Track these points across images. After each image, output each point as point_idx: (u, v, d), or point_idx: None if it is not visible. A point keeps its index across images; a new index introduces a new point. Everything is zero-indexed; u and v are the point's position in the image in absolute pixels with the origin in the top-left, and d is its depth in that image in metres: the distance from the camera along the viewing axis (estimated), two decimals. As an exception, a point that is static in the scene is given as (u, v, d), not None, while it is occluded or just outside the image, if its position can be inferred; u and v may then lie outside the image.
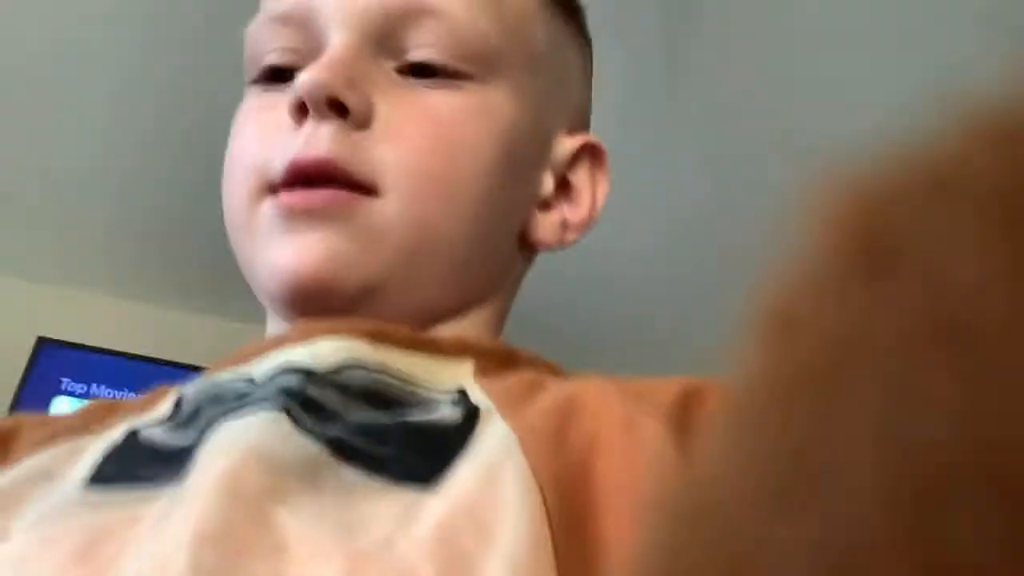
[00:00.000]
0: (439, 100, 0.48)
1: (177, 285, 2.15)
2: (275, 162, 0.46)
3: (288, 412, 0.36)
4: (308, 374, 0.39)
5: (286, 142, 0.46)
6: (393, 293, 0.46)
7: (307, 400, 0.37)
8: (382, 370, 0.40)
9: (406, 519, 0.32)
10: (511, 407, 0.38)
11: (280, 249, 0.45)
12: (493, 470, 0.34)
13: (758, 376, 0.14)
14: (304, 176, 0.45)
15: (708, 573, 0.13)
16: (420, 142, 0.46)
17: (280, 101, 0.48)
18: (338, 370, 0.40)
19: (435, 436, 0.36)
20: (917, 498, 0.11)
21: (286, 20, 0.50)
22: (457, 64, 0.48)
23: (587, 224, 0.53)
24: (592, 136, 0.55)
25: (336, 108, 0.46)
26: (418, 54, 0.48)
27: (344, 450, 0.35)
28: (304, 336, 0.43)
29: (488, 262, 0.50)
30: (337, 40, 0.47)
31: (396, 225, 0.46)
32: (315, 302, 0.45)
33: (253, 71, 0.51)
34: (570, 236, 0.53)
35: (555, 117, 0.53)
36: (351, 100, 0.46)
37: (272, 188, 0.47)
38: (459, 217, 0.47)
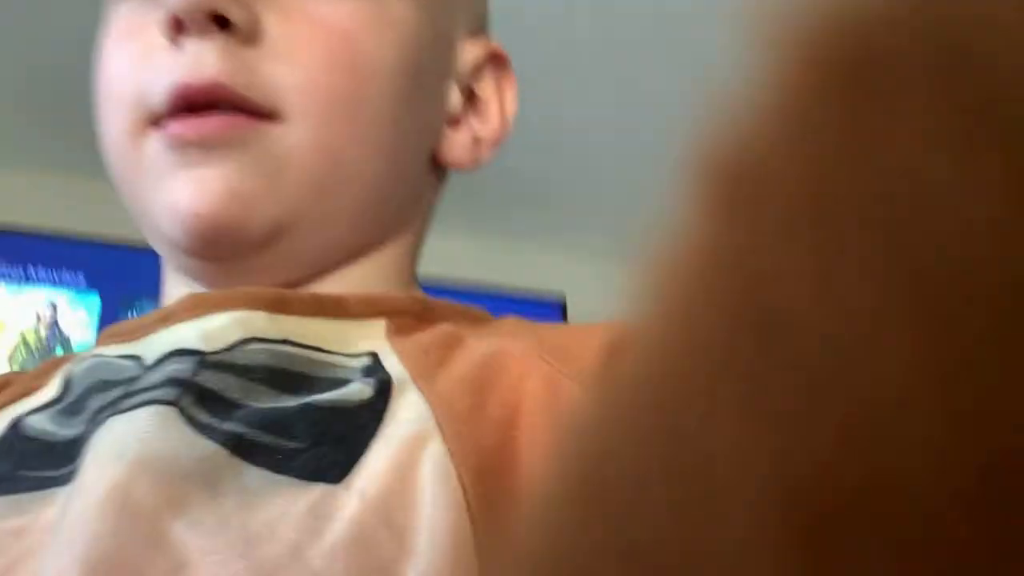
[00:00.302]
0: (333, 10, 0.43)
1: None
2: (155, 89, 0.41)
3: (179, 406, 0.32)
4: (200, 357, 0.35)
5: (165, 65, 0.41)
6: (303, 231, 0.42)
7: (200, 389, 0.34)
8: (284, 340, 0.37)
9: (316, 522, 0.29)
10: (426, 374, 0.35)
11: (176, 189, 0.41)
12: (408, 459, 0.31)
13: (707, 241, 0.11)
14: (192, 103, 0.40)
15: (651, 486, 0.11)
16: (318, 58, 0.42)
17: (149, 18, 0.42)
18: (233, 348, 0.36)
19: (345, 420, 0.33)
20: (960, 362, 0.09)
21: None
22: None
23: (500, 138, 0.49)
24: (494, 43, 0.51)
25: (218, 22, 0.40)
26: None
27: (245, 447, 0.32)
28: (194, 310, 0.39)
29: (401, 189, 0.46)
30: None
31: (302, 153, 0.41)
32: (220, 246, 0.41)
33: None
34: (484, 153, 0.49)
35: (455, 22, 0.49)
36: (234, 13, 0.40)
37: (155, 120, 0.42)
38: (368, 140, 0.43)
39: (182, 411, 0.32)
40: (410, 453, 0.31)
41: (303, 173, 0.41)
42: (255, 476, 0.31)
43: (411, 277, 0.48)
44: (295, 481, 0.31)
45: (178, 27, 0.41)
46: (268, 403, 0.34)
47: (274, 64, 0.41)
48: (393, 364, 0.36)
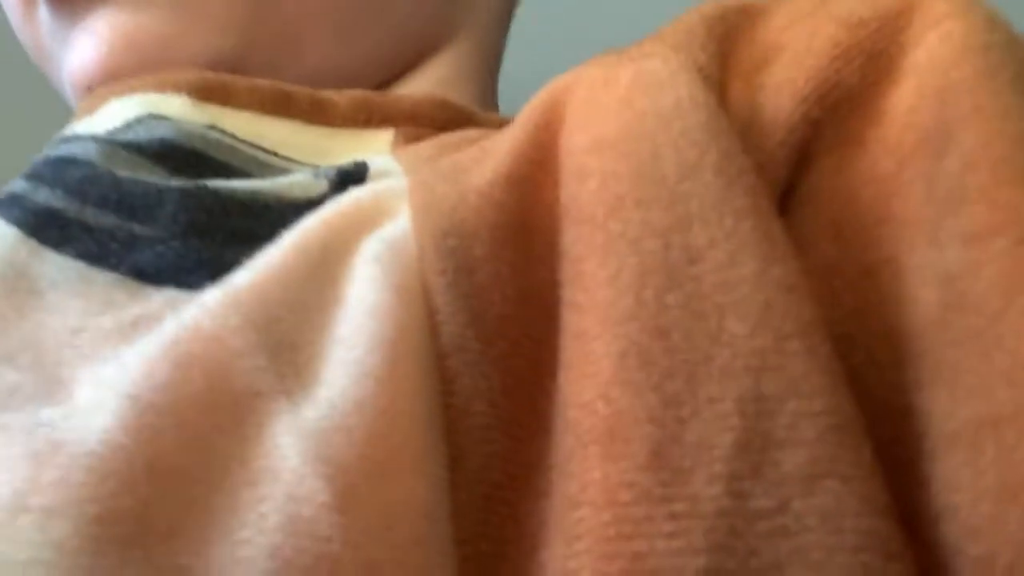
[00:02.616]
0: None
1: None
2: None
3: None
4: (75, 138, 0.26)
5: None
6: (260, 68, 0.30)
7: (48, 161, 0.24)
8: (210, 127, 0.26)
9: (118, 338, 0.19)
10: (419, 166, 0.23)
11: (66, 61, 0.31)
12: (332, 240, 0.20)
13: None
14: None
15: None
16: None
17: None
18: (127, 127, 0.26)
19: (258, 215, 0.22)
20: None
21: None
22: None
23: None
24: None
25: None
26: None
27: (51, 225, 0.22)
28: (93, 103, 0.29)
29: None
30: None
31: None
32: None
33: None
34: None
35: None
36: None
37: None
38: None
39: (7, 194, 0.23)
40: (338, 233, 0.20)
41: None
42: (55, 267, 0.21)
43: (478, 100, 0.35)
44: (121, 280, 0.20)
45: None
46: (129, 176, 0.23)
47: None
48: (383, 167, 0.25)
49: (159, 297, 0.20)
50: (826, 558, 0.15)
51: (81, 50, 0.30)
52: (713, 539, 0.15)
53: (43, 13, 0.32)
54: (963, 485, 0.15)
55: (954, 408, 0.16)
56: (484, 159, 0.20)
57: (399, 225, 0.19)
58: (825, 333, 0.16)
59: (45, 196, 0.23)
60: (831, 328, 0.17)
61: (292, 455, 0.16)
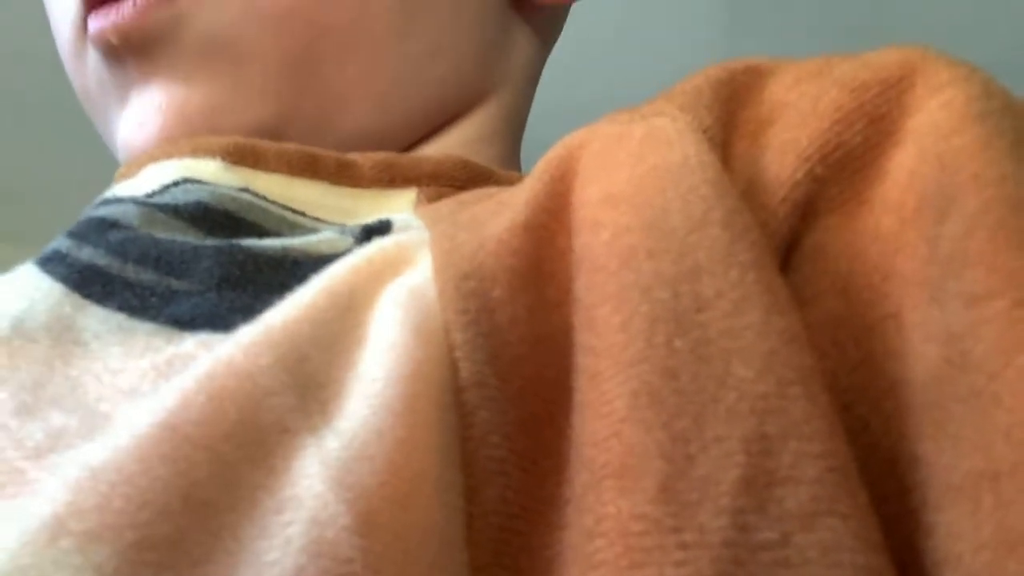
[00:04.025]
0: None
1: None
2: None
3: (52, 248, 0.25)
4: (116, 199, 0.28)
5: None
6: (303, 130, 0.32)
7: (90, 221, 0.26)
8: (243, 189, 0.28)
9: (155, 378, 0.20)
10: (440, 219, 0.24)
11: (122, 126, 0.33)
12: (358, 285, 0.21)
13: None
14: None
15: None
16: None
17: None
18: (164, 190, 0.28)
19: (289, 270, 0.24)
20: None
21: None
22: None
23: None
24: None
25: None
26: None
27: (94, 281, 0.23)
28: (132, 167, 0.31)
29: (449, 31, 0.35)
30: None
31: (255, 19, 0.32)
32: None
33: None
34: None
35: None
36: None
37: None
38: None
39: (40, 256, 0.25)
40: (364, 279, 0.21)
41: (269, 49, 0.32)
42: (97, 320, 0.22)
43: (501, 161, 0.37)
44: (159, 329, 0.22)
45: None
46: (167, 236, 0.25)
47: None
48: (406, 223, 0.27)
49: (193, 339, 0.22)
50: None
51: (139, 119, 0.32)
52: (719, 568, 0.16)
53: (92, 60, 0.34)
54: (965, 536, 0.16)
55: (956, 461, 0.16)
56: (502, 210, 0.22)
57: (420, 271, 0.21)
58: (823, 383, 0.17)
59: (89, 254, 0.24)
60: (838, 378, 0.18)
61: (317, 483, 0.17)
